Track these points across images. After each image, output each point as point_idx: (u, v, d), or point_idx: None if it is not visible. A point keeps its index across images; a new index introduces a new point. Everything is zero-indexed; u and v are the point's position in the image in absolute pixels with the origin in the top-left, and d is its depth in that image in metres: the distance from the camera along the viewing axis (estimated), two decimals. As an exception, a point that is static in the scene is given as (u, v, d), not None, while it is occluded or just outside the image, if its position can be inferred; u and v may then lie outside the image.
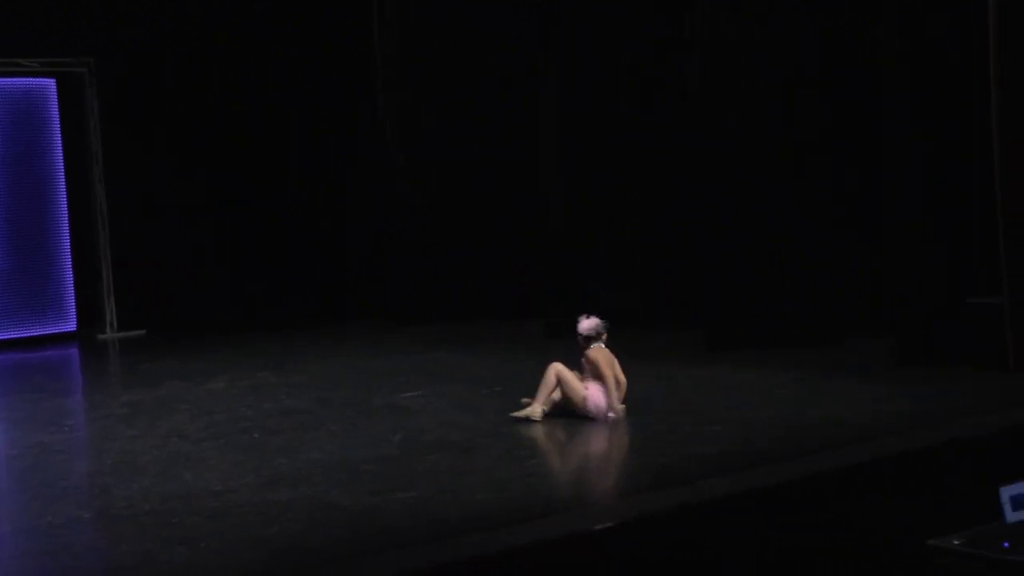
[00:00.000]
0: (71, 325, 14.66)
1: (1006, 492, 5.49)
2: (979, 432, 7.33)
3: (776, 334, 10.88)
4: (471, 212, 13.77)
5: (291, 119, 15.33)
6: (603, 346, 8.43)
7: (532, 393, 8.50)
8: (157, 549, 5.87)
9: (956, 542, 5.35)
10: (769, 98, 10.96)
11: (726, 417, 8.18)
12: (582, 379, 8.36)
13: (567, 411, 8.32)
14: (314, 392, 10.06)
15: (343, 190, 15.48)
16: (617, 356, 8.46)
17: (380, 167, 14.48)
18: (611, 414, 8.22)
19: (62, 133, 14.59)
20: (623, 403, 8.34)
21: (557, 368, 8.34)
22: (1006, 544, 5.27)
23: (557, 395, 8.37)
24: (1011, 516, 5.45)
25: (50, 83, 14.53)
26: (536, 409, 8.33)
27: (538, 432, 8.18)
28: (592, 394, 8.25)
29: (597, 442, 7.74)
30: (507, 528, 5.88)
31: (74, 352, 14.11)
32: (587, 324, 8.45)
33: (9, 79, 14.16)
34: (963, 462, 7.07)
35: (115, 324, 14.75)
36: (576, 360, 8.44)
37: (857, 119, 10.88)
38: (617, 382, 8.31)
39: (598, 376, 8.29)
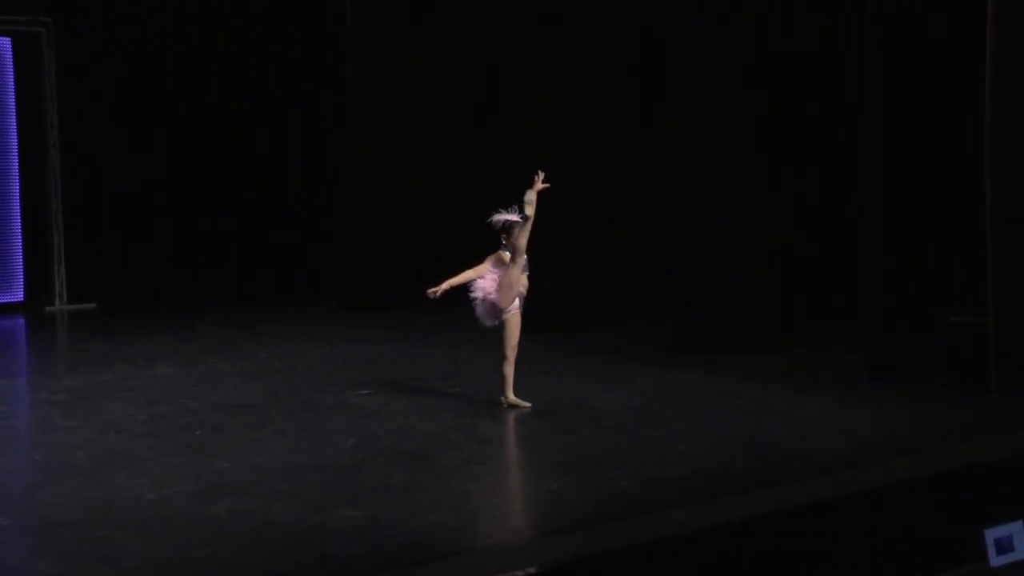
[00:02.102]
0: (18, 295, 14.17)
1: (991, 534, 5.15)
2: (962, 464, 6.95)
3: (745, 339, 10.52)
4: (433, 200, 13.44)
5: (257, 98, 14.83)
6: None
7: (495, 399, 8.20)
8: (76, 568, 5.41)
9: (936, 587, 5.01)
10: (758, 99, 10.56)
11: (691, 433, 7.79)
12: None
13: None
14: (265, 384, 9.62)
15: (304, 171, 15.04)
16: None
17: (343, 152, 14.08)
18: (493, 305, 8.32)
19: (16, 95, 14.04)
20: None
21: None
22: (990, 590, 4.93)
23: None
24: (996, 560, 5.12)
25: (5, 42, 13.97)
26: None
27: (496, 441, 7.77)
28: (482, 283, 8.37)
29: (562, 458, 7.30)
30: (454, 559, 5.46)
31: (20, 324, 13.60)
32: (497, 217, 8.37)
33: (-39, 35, 13.63)
34: (944, 497, 6.70)
35: (65, 296, 14.27)
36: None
37: (847, 121, 10.55)
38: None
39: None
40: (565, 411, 8.44)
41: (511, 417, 8.30)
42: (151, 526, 6.01)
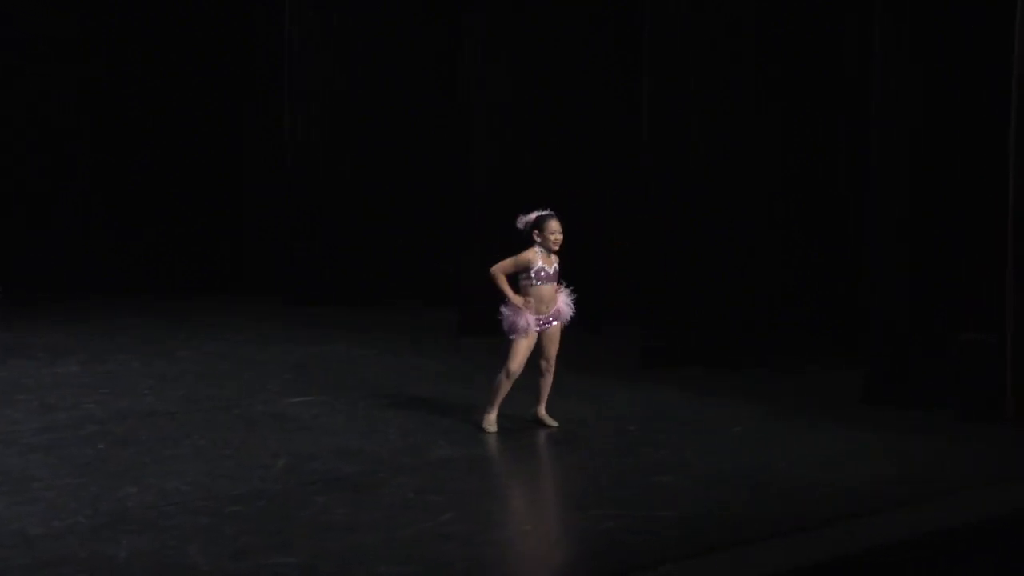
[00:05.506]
0: (-86, 275, 12.86)
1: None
2: (1002, 511, 5.98)
3: (724, 354, 9.49)
4: (386, 191, 12.48)
5: (200, 80, 13.68)
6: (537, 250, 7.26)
7: (449, 413, 7.25)
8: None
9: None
10: (742, 111, 9.54)
11: (680, 463, 6.76)
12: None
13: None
14: (183, 388, 8.52)
15: (245, 156, 13.95)
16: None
17: (286, 136, 12.99)
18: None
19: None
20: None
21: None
22: None
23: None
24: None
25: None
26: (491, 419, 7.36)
27: (452, 467, 6.67)
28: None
29: (531, 490, 6.25)
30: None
31: (-88, 308, 12.31)
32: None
33: None
34: (962, 553, 5.73)
35: (-34, 278, 12.98)
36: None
37: (831, 127, 9.60)
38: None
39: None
40: (533, 432, 7.40)
41: (468, 437, 7.23)
42: (33, 574, 4.87)
